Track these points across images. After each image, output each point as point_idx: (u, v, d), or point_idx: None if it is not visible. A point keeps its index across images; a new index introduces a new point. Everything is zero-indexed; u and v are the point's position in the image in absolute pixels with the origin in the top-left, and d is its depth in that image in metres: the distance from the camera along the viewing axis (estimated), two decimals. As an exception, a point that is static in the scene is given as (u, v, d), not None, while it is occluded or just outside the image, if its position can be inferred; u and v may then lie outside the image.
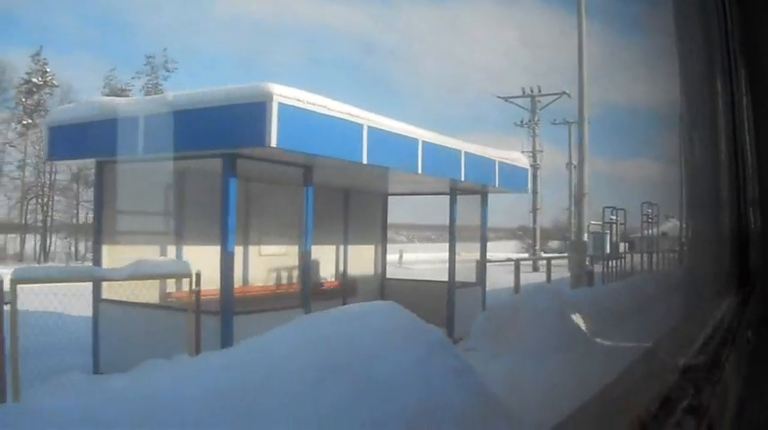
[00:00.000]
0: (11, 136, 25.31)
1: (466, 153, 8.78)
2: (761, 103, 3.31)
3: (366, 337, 3.26)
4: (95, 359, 7.01)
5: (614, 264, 15.75)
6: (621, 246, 17.96)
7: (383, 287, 11.05)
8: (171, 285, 7.58)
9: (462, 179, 8.83)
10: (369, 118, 6.90)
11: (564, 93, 24.70)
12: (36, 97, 26.11)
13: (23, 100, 25.69)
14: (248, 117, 5.88)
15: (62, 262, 23.77)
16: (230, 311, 6.19)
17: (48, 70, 26.55)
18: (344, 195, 10.43)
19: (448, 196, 9.72)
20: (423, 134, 7.86)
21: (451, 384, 3.11)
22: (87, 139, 7.32)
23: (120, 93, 26.20)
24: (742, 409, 1.88)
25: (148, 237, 8.21)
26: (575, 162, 21.81)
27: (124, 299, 6.80)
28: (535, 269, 20.19)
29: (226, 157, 6.27)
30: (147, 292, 7.01)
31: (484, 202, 10.42)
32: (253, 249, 8.93)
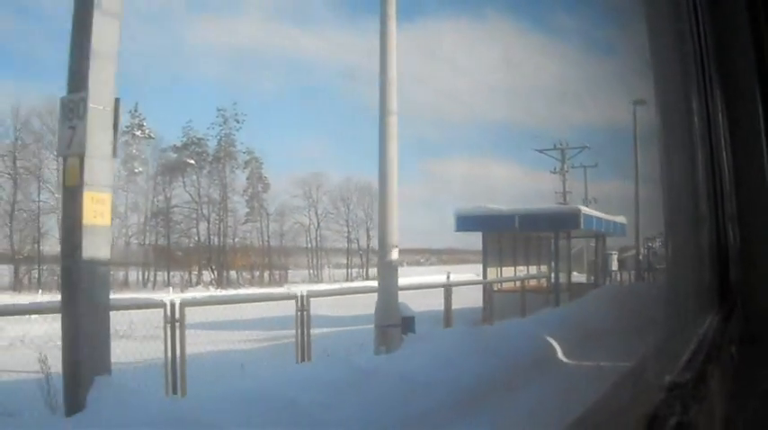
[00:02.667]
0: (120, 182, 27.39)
1: (605, 219, 20.58)
2: (737, 123, 3.36)
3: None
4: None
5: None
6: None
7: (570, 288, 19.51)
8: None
9: (602, 230, 21.00)
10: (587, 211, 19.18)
11: (585, 146, 30.17)
12: (135, 148, 28.89)
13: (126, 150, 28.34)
14: (571, 217, 18.08)
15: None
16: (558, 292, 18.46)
17: (144, 124, 29.23)
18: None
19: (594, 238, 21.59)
20: (596, 212, 20.06)
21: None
22: (481, 221, 18.31)
23: (197, 142, 28.35)
24: (728, 426, 1.89)
25: (510, 262, 19.36)
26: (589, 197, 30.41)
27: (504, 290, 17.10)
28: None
29: (559, 232, 19.01)
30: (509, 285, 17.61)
31: (605, 242, 22.22)
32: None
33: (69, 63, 6.08)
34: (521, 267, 20.22)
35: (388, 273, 9.08)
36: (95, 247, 5.70)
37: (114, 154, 6.09)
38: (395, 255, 9.25)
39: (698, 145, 3.14)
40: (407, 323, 9.60)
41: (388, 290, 8.97)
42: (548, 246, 20.22)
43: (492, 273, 18.21)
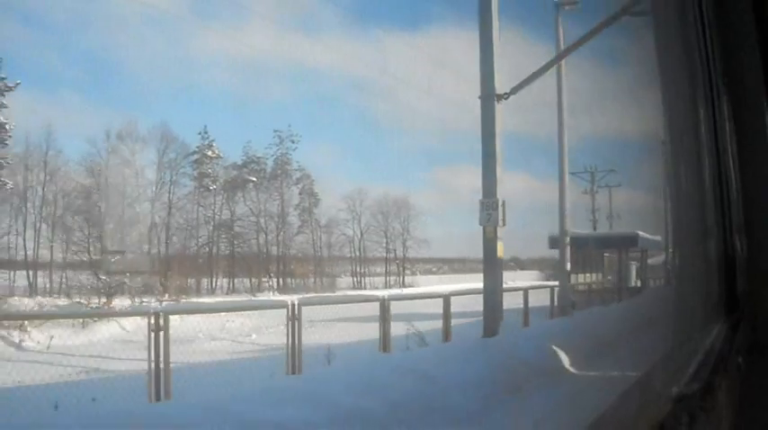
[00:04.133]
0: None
1: (648, 237, 23.40)
2: (743, 132, 3.36)
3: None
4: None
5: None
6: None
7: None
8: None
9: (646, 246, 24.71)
10: (641, 233, 24.23)
11: (612, 170, 32.51)
12: (208, 167, 32.47)
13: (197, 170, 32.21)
14: (631, 238, 24.13)
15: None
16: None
17: (213, 144, 32.15)
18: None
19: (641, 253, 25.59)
20: (643, 233, 23.76)
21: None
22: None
23: (257, 160, 33.68)
24: None
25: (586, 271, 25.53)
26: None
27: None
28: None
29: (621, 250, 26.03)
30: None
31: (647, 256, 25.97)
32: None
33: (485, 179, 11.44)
34: (590, 274, 26.75)
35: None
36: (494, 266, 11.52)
37: (503, 223, 11.34)
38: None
39: (705, 155, 3.15)
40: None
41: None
42: (608, 259, 27.53)
43: (573, 279, 23.38)
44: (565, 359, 7.58)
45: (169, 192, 31.43)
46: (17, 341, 14.26)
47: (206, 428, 4.16)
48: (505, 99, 11.52)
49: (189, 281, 29.83)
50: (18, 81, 24.84)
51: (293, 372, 9.57)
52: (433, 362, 7.02)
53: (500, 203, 11.45)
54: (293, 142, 35.20)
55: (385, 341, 11.42)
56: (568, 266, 20.39)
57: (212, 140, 33.39)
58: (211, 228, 33.95)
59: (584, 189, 33.23)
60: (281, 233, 35.01)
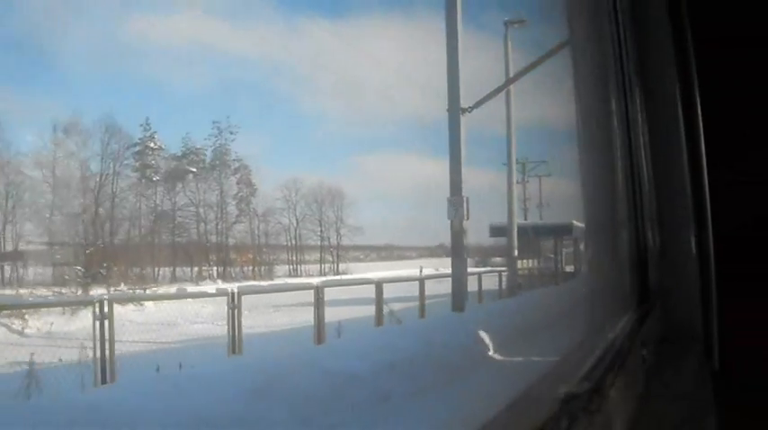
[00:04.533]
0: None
1: (581, 226, 24.62)
2: (656, 125, 3.39)
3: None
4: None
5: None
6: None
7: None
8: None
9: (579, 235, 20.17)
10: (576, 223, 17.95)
11: (544, 161, 31.91)
12: (149, 159, 32.32)
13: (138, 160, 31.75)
14: (566, 227, 21.73)
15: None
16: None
17: (155, 136, 31.93)
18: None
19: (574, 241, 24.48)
20: (578, 223, 16.17)
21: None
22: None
23: (196, 151, 33.46)
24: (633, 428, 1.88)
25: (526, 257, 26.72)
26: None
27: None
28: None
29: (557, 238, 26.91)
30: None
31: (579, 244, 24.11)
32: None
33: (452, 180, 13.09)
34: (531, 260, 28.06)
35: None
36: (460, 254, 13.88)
37: (467, 217, 13.34)
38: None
39: (617, 148, 3.16)
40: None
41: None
42: (544, 246, 28.65)
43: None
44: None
45: (112, 184, 31.38)
46: (20, 328, 14.78)
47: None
48: (469, 112, 13.47)
49: (134, 270, 29.98)
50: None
51: (234, 352, 10.72)
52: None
53: (465, 201, 13.16)
54: (231, 133, 35.54)
55: (319, 327, 12.24)
56: (516, 253, 22.01)
57: (154, 132, 33.51)
58: (153, 218, 34.15)
59: (516, 179, 33.73)
60: (221, 223, 35.47)
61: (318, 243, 37.23)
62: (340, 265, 36.98)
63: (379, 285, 14.13)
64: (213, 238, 34.25)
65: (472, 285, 17.81)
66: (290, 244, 37.44)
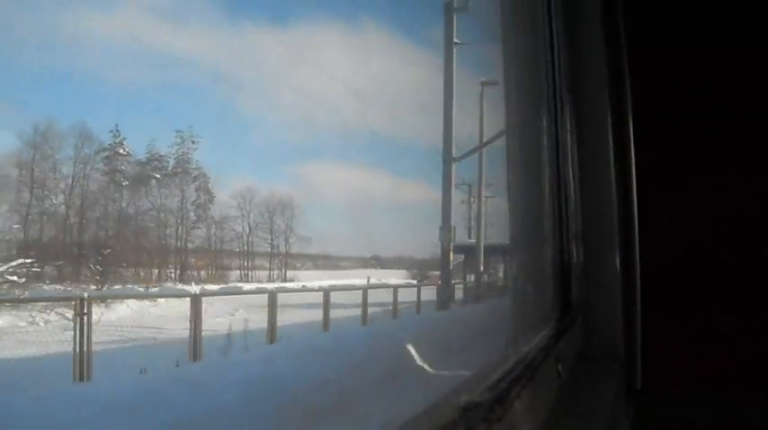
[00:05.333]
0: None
1: None
2: (584, 143, 3.44)
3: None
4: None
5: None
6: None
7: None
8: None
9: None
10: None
11: (490, 184, 34.67)
12: (119, 164, 32.30)
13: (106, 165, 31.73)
14: (503, 247, 13.46)
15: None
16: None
17: (124, 142, 32.27)
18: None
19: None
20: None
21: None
22: (459, 248, 22.34)
23: (159, 158, 33.40)
24: None
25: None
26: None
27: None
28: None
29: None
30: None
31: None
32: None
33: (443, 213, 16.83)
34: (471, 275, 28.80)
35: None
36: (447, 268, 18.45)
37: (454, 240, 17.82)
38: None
39: (545, 166, 3.19)
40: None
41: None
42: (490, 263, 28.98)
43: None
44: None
45: (82, 187, 31.90)
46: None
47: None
48: (458, 162, 16.87)
49: (100, 270, 30.83)
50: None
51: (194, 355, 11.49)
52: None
53: (453, 228, 17.11)
54: (194, 142, 36.65)
55: (272, 329, 13.67)
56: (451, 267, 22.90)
57: (123, 138, 34.41)
58: (118, 221, 35.11)
59: (461, 199, 34.62)
60: (180, 227, 36.72)
61: (269, 250, 38.54)
62: (288, 272, 38.53)
63: (326, 293, 15.99)
64: (172, 242, 35.35)
65: (409, 296, 19.76)
66: (242, 250, 38.80)
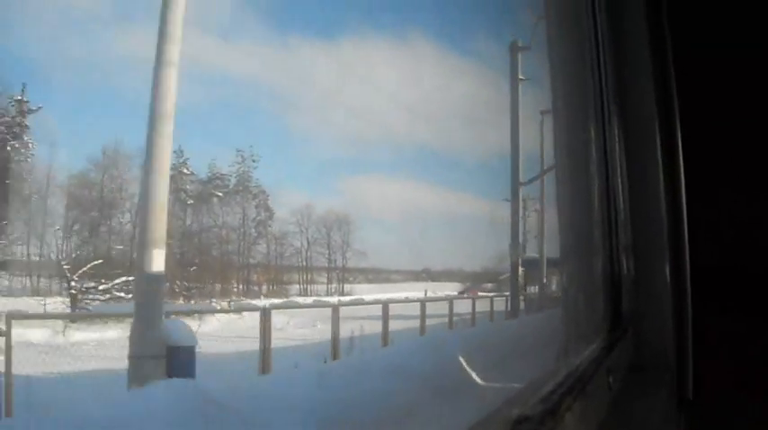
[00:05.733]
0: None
1: None
2: (632, 153, 3.43)
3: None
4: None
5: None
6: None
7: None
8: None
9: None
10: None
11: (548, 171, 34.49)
12: (183, 184, 34.63)
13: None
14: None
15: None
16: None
17: (187, 163, 34.45)
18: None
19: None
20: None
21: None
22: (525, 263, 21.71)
23: (221, 176, 32.89)
24: None
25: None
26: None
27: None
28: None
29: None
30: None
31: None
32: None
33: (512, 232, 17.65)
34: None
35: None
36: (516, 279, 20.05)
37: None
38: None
39: (594, 176, 3.19)
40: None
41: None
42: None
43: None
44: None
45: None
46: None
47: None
48: (525, 185, 17.86)
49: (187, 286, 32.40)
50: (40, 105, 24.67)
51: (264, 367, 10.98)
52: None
53: (521, 244, 19.16)
54: (254, 161, 37.72)
55: (384, 334, 14.91)
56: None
57: (187, 159, 35.64)
58: (181, 238, 36.64)
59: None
60: (242, 243, 38.09)
61: (325, 265, 39.87)
62: (345, 286, 39.83)
63: (385, 305, 16.70)
64: (235, 259, 36.52)
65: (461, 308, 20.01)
66: (300, 265, 40.03)
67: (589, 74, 3.28)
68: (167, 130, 8.39)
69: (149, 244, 8.59)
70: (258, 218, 39.20)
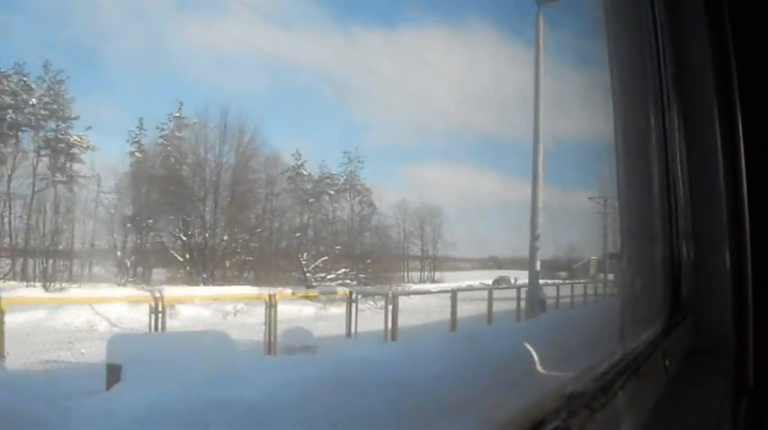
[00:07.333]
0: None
1: None
2: (692, 139, 3.42)
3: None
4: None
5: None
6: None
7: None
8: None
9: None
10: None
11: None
12: (301, 184, 35.73)
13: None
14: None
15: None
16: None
17: (305, 164, 35.93)
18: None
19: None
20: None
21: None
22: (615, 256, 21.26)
23: (330, 176, 35.50)
24: None
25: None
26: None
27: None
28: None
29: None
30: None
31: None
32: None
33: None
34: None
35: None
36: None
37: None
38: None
39: (654, 163, 3.20)
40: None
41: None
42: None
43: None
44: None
45: (271, 203, 36.04)
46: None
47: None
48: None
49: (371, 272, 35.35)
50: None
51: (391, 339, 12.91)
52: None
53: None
54: (360, 162, 39.76)
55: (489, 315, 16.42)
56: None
57: (304, 161, 37.75)
58: (300, 231, 39.25)
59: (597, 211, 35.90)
60: (349, 236, 40.63)
61: (419, 254, 42.16)
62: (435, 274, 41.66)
63: (490, 292, 18.34)
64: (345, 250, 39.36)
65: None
66: (398, 254, 42.67)
67: (647, 59, 3.28)
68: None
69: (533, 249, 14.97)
70: (363, 212, 42.29)
